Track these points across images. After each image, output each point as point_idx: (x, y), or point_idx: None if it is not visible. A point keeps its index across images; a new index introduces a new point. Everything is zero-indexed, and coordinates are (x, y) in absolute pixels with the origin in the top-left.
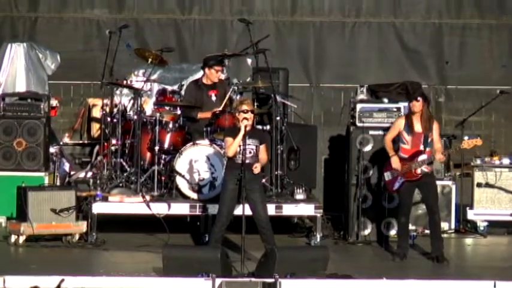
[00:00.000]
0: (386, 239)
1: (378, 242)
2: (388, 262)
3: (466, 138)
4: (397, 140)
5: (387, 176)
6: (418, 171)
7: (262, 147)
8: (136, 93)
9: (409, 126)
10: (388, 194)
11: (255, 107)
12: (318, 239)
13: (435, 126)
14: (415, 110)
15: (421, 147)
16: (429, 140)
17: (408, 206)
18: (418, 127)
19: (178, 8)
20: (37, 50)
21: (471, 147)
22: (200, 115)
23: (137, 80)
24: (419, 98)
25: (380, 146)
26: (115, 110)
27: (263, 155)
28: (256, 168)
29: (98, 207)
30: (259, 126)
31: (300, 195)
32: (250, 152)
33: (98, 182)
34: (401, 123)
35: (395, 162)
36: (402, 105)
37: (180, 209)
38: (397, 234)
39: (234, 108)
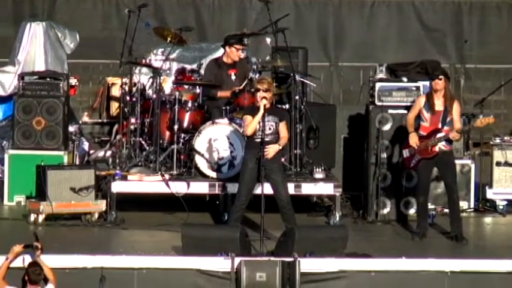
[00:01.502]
0: (405, 218)
1: (397, 221)
2: (407, 241)
3: (480, 116)
4: (417, 118)
5: (405, 153)
6: (436, 149)
7: (283, 125)
8: (156, 72)
9: (430, 104)
10: (408, 173)
11: (274, 86)
12: (337, 218)
13: (456, 106)
14: (437, 88)
15: (440, 126)
16: (448, 119)
17: (426, 184)
18: (438, 105)
19: None
20: (56, 29)
21: (484, 125)
22: (220, 94)
23: (156, 59)
24: (441, 76)
25: (399, 124)
26: (134, 89)
27: (284, 133)
28: (268, 153)
29: (117, 186)
30: (279, 106)
31: (319, 174)
32: (270, 129)
33: (117, 161)
34: (422, 101)
35: (412, 139)
36: (421, 84)
37: (199, 188)
38: (416, 213)
39: (253, 88)
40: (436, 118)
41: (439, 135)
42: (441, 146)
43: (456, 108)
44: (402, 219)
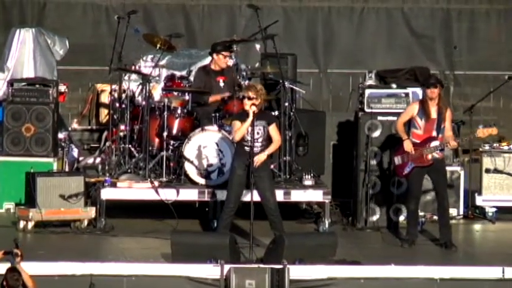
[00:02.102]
0: (395, 225)
1: (387, 227)
2: (397, 248)
3: (480, 127)
4: (408, 125)
5: (397, 160)
6: (429, 157)
7: (272, 128)
8: (145, 78)
9: (424, 112)
10: (397, 180)
11: (264, 91)
12: (327, 225)
13: (448, 114)
14: (433, 96)
15: (434, 133)
16: (442, 126)
17: (417, 192)
18: (433, 113)
19: None
20: (45, 36)
21: (486, 136)
22: (211, 98)
23: (146, 65)
24: (437, 85)
25: (388, 131)
26: (123, 95)
27: (275, 136)
28: (258, 160)
29: (107, 193)
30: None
31: (308, 181)
32: (258, 133)
33: (107, 167)
34: (414, 108)
35: (408, 145)
36: (410, 90)
37: (189, 195)
38: (406, 221)
39: (242, 94)
40: (430, 126)
41: (434, 143)
42: (434, 153)
43: (449, 116)
44: (392, 226)
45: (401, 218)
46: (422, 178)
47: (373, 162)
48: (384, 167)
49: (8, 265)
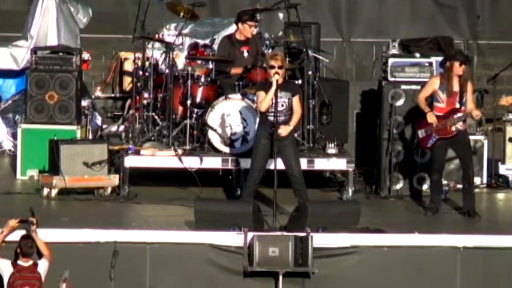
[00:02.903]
0: (419, 194)
1: (410, 196)
2: (420, 216)
3: (504, 95)
4: (430, 99)
5: (421, 133)
6: (453, 128)
7: (295, 99)
8: (168, 47)
9: (446, 85)
10: (420, 149)
11: (287, 61)
12: (350, 194)
13: (469, 86)
14: (460, 73)
15: (457, 106)
16: (464, 99)
17: (441, 163)
18: (455, 86)
19: None
20: (69, 4)
21: (510, 105)
22: (233, 71)
23: (169, 34)
24: (466, 62)
25: (412, 101)
26: (147, 63)
27: (297, 108)
28: (282, 130)
29: (130, 161)
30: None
31: (331, 149)
32: (282, 105)
33: (130, 135)
34: (436, 82)
35: (431, 117)
36: (434, 59)
37: (212, 163)
38: (429, 190)
39: (265, 63)
40: (453, 99)
41: (458, 115)
42: (457, 125)
43: (470, 88)
44: (416, 195)
45: (425, 186)
46: (446, 150)
47: (397, 131)
48: (407, 136)
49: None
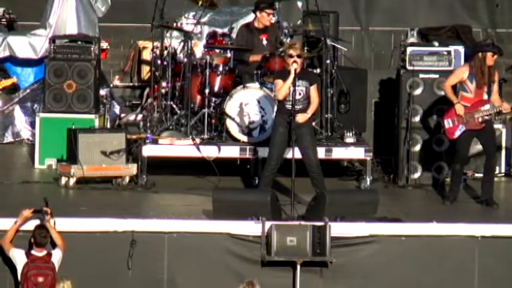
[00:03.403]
0: (440, 184)
1: (432, 186)
2: (438, 205)
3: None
4: (457, 88)
5: (447, 123)
6: (481, 119)
7: (313, 88)
8: (187, 35)
9: (475, 75)
10: (439, 138)
11: (305, 50)
12: (368, 183)
13: (496, 77)
14: (491, 63)
15: (485, 96)
16: (491, 89)
17: (465, 155)
18: (485, 77)
19: None
20: None
21: None
22: (251, 58)
23: (187, 22)
24: (497, 52)
25: (430, 89)
26: (165, 52)
27: (314, 97)
28: (299, 117)
29: (148, 150)
30: (309, 69)
31: (350, 138)
32: (300, 94)
33: (148, 124)
34: (464, 72)
35: (460, 109)
36: (452, 48)
37: (230, 151)
38: (450, 179)
39: (284, 52)
40: (481, 90)
41: (486, 106)
42: (484, 116)
43: (496, 79)
44: (434, 184)
45: (443, 175)
46: (471, 141)
47: (415, 120)
48: (426, 124)
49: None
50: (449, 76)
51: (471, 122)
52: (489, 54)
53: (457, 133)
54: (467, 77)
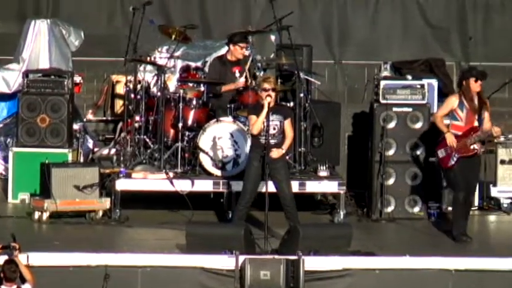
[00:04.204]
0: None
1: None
2: (412, 239)
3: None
4: (447, 117)
5: (441, 153)
6: (473, 147)
7: (287, 123)
8: (160, 69)
9: (467, 104)
10: (412, 172)
11: (279, 83)
12: (342, 216)
13: (487, 105)
14: (478, 89)
15: (476, 124)
16: (482, 117)
17: (464, 182)
18: (474, 104)
19: None
20: (61, 26)
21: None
22: (224, 88)
23: (161, 56)
24: (483, 78)
25: (403, 123)
26: (138, 86)
27: (288, 132)
28: (274, 153)
29: (122, 184)
30: (283, 103)
31: (323, 172)
32: (274, 128)
33: (122, 158)
34: (454, 101)
35: (450, 139)
36: (426, 82)
37: (204, 185)
38: (453, 212)
39: (257, 86)
40: (472, 117)
41: (477, 133)
42: (475, 146)
43: (488, 107)
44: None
45: (416, 209)
46: (467, 168)
47: (388, 153)
48: (398, 158)
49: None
50: (439, 107)
51: (463, 148)
52: (472, 79)
53: (451, 161)
54: (457, 106)
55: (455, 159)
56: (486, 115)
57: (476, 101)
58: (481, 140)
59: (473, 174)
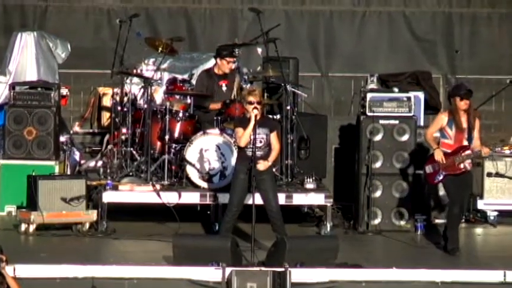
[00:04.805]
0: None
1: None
2: (398, 251)
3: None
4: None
5: (428, 169)
6: (461, 165)
7: (273, 135)
8: (147, 82)
9: (454, 122)
10: (399, 184)
11: (265, 96)
12: (328, 229)
13: (477, 122)
14: (465, 107)
15: (465, 143)
16: (472, 135)
17: (457, 196)
18: (463, 122)
19: None
20: (47, 39)
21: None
22: (212, 106)
23: (147, 69)
24: (470, 96)
25: (390, 135)
26: (125, 99)
27: (275, 144)
28: (260, 165)
29: (108, 196)
30: (270, 116)
31: (310, 184)
32: (260, 141)
33: (108, 171)
34: (444, 119)
35: (438, 155)
36: (412, 94)
37: (191, 198)
38: (448, 226)
39: (243, 98)
40: (461, 135)
41: (466, 152)
42: (465, 163)
43: (478, 124)
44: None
45: (403, 222)
46: (457, 182)
47: (375, 165)
48: (385, 171)
49: None
50: (429, 125)
51: (451, 167)
52: (457, 98)
53: (438, 178)
54: (447, 123)
55: (441, 176)
56: (475, 134)
57: (464, 120)
58: (470, 159)
59: (463, 190)
